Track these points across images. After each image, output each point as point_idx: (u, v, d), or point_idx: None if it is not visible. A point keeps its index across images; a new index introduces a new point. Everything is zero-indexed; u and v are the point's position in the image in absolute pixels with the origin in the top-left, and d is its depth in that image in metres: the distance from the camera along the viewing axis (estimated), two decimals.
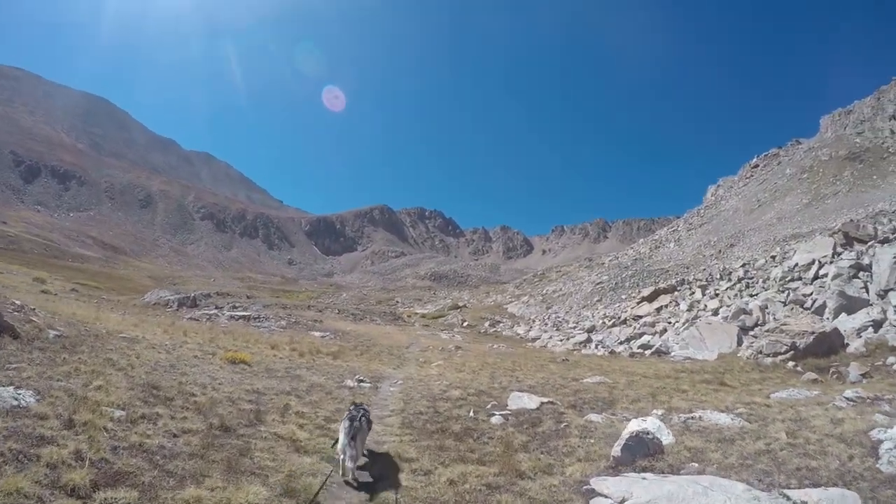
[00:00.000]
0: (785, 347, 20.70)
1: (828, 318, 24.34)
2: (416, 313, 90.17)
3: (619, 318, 51.61)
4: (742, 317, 29.13)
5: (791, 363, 19.67)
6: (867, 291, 24.95)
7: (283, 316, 42.89)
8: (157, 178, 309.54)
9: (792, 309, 27.17)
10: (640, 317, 47.11)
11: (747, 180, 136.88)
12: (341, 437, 8.70)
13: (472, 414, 13.41)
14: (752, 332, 26.71)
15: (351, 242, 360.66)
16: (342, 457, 8.54)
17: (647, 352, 31.46)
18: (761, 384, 16.80)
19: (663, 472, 8.32)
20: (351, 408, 9.82)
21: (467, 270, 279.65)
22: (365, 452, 9.51)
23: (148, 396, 10.77)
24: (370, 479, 8.71)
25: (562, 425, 11.86)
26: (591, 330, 49.82)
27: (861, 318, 22.45)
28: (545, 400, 14.38)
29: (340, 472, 8.54)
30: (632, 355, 31.82)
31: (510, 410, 13.73)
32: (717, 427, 10.70)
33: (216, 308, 49.19)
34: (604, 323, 52.50)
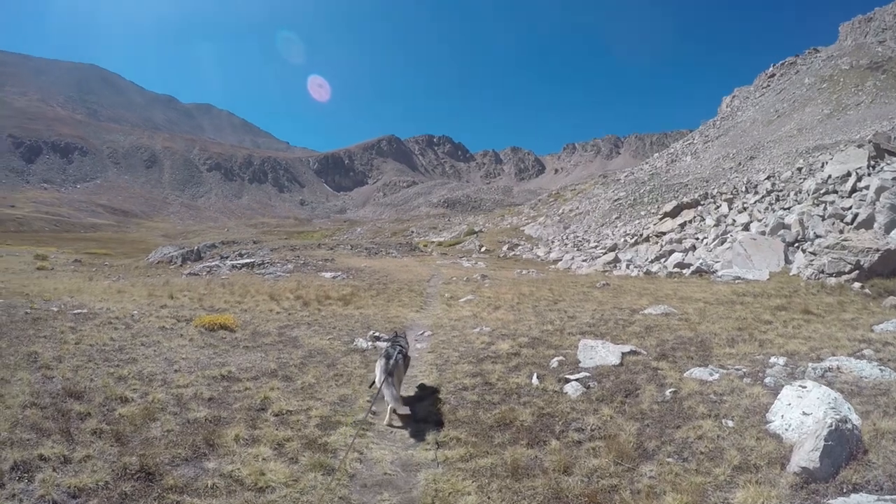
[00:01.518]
0: (849, 266, 18.46)
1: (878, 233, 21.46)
2: (433, 242, 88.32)
3: (641, 235, 47.84)
4: (781, 231, 26.84)
5: (857, 284, 17.47)
6: None
7: (290, 259, 38.85)
8: (159, 136, 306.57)
9: (834, 223, 24.95)
10: (664, 233, 43.35)
11: (764, 90, 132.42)
12: (378, 375, 8.40)
13: (536, 382, 9.50)
14: (802, 248, 24.16)
15: (361, 176, 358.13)
16: (385, 398, 8.07)
17: (686, 271, 28.34)
18: (845, 311, 13.98)
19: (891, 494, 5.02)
20: (387, 345, 9.46)
21: (480, 194, 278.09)
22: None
23: (51, 415, 7.21)
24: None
25: (669, 392, 8.32)
26: (613, 248, 47.02)
27: None
28: (625, 349, 10.70)
29: (382, 408, 8.30)
30: (670, 275, 28.71)
31: (586, 369, 9.92)
32: (873, 384, 7.80)
33: (221, 258, 45.45)
34: (625, 241, 49.45)
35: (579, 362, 10.45)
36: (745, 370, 9.03)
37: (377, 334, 13.47)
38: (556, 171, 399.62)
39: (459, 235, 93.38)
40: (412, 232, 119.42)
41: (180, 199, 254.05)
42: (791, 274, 21.30)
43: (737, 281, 22.27)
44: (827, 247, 19.84)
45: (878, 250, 18.08)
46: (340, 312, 17.35)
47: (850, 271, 18.27)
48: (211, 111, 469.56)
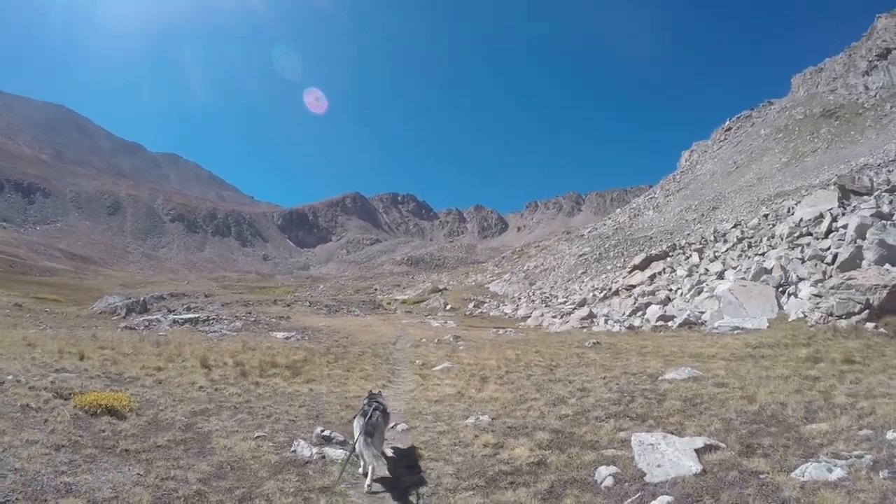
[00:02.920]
0: (859, 306, 17.23)
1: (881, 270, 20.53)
2: (397, 299, 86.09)
3: (611, 288, 47.93)
4: (764, 277, 25.96)
5: (869, 324, 16.28)
6: None
7: (241, 315, 34.47)
8: (124, 183, 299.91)
9: (816, 265, 24.23)
10: (634, 286, 43.24)
11: (721, 143, 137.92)
12: (357, 437, 7.63)
13: None
14: (791, 293, 23.79)
15: (325, 233, 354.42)
16: (362, 460, 7.54)
17: (672, 324, 26.67)
18: (884, 355, 12.57)
19: None
20: (364, 402, 8.68)
21: (444, 252, 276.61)
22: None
23: None
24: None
25: None
26: (582, 303, 46.56)
27: None
28: (697, 444, 7.55)
29: (361, 470, 7.67)
30: (655, 329, 26.82)
31: (661, 487, 6.65)
32: None
33: (168, 311, 41.02)
34: (594, 295, 49.13)
35: (644, 474, 7.09)
36: (868, 456, 6.60)
37: (327, 433, 9.12)
38: (519, 228, 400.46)
39: (424, 293, 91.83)
40: (375, 289, 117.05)
41: (141, 248, 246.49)
42: (791, 320, 20.22)
43: (736, 332, 20.76)
44: (832, 287, 18.87)
45: (885, 286, 17.11)
46: (284, 389, 13.13)
47: (861, 311, 17.18)
48: (178, 161, 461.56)
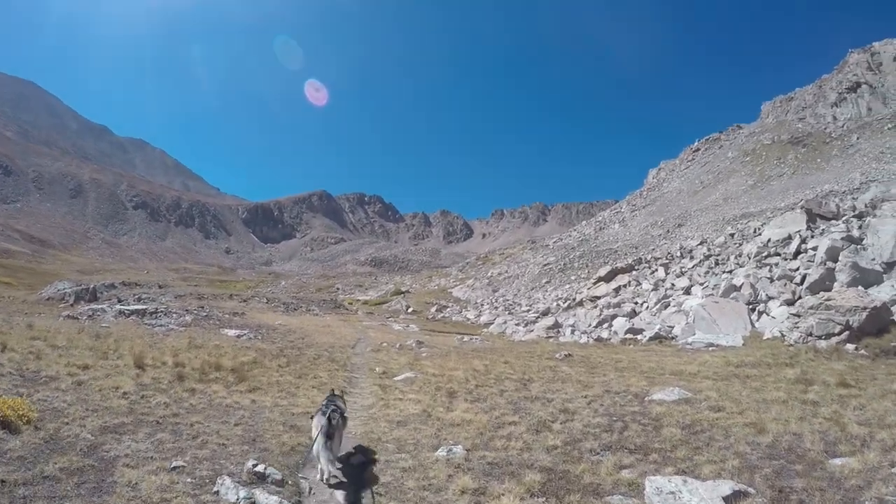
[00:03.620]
0: (839, 327, 17.11)
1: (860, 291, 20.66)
2: (358, 300, 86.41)
3: (575, 299, 48.26)
4: (734, 294, 25.99)
5: (849, 345, 16.19)
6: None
7: (193, 309, 32.36)
8: (88, 167, 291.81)
9: (785, 284, 24.27)
10: (598, 297, 43.51)
11: (689, 163, 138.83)
12: (316, 438, 7.49)
13: None
14: (761, 311, 23.85)
15: (289, 229, 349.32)
16: (319, 459, 7.41)
17: (641, 337, 26.22)
18: (876, 378, 12.13)
19: None
20: (323, 403, 8.54)
21: (408, 255, 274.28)
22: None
23: None
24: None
25: None
26: (546, 312, 47.36)
27: (887, 290, 19.92)
28: (723, 490, 6.38)
29: (318, 476, 7.48)
30: (624, 342, 26.41)
31: None
32: None
33: (118, 301, 38.78)
34: (558, 305, 49.62)
35: None
36: None
37: (261, 467, 7.24)
38: (484, 235, 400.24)
39: (386, 295, 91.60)
40: (338, 289, 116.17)
41: (102, 234, 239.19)
42: (766, 338, 19.94)
43: (711, 348, 20.39)
44: (811, 308, 18.56)
45: (865, 308, 17.01)
46: (222, 400, 11.28)
47: (840, 332, 17.06)
48: (145, 148, 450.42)
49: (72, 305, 39.53)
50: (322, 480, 7.34)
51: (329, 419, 7.67)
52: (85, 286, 46.65)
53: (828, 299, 18.35)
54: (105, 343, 17.99)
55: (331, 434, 7.54)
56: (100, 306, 32.26)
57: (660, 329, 26.02)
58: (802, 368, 13.79)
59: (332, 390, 9.56)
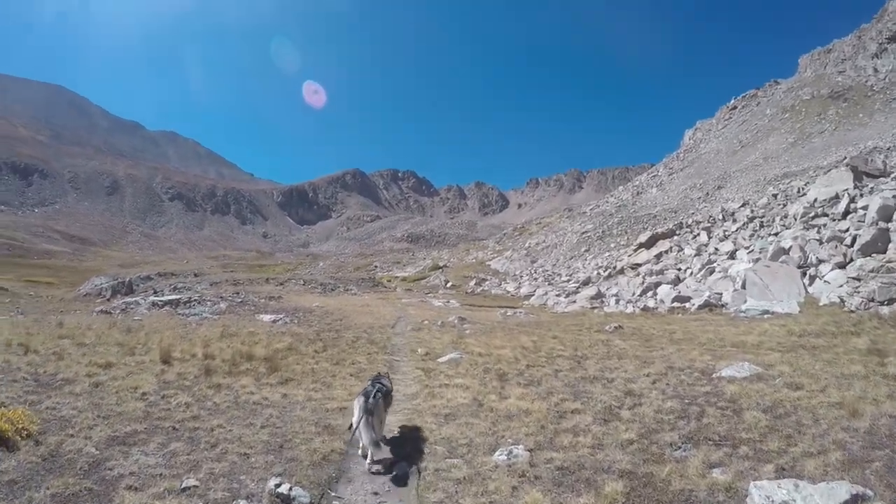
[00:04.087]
0: None
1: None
2: (396, 277, 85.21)
3: (615, 267, 46.84)
4: (783, 257, 24.80)
5: None
6: None
7: (228, 296, 31.61)
8: (122, 163, 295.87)
9: (836, 247, 23.10)
10: (640, 265, 42.38)
11: (726, 122, 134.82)
12: (356, 415, 7.34)
13: None
14: (813, 275, 22.44)
15: (325, 210, 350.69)
16: (360, 440, 7.26)
17: (689, 305, 25.33)
18: None
19: None
20: (367, 383, 8.27)
21: (444, 229, 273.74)
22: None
23: None
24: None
25: None
26: (587, 282, 45.82)
27: None
28: (843, 496, 5.25)
29: (360, 454, 7.42)
30: (672, 311, 25.34)
31: None
32: None
33: (154, 292, 38.39)
34: (599, 274, 47.91)
35: None
36: None
37: (285, 487, 5.95)
38: (520, 205, 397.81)
39: (424, 270, 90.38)
40: (375, 267, 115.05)
41: (140, 228, 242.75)
42: (822, 304, 18.82)
43: (767, 316, 19.41)
44: (871, 270, 18.02)
45: None
46: (249, 396, 10.19)
47: None
48: (176, 139, 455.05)
49: (108, 300, 39.34)
50: (367, 465, 7.15)
51: (367, 395, 7.55)
52: (121, 280, 46.56)
53: (889, 261, 17.90)
54: (135, 337, 17.23)
55: (371, 411, 7.34)
56: (133, 299, 31.81)
57: (709, 296, 25.03)
58: (871, 337, 12.91)
59: (378, 373, 9.14)
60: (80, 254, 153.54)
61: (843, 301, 17.90)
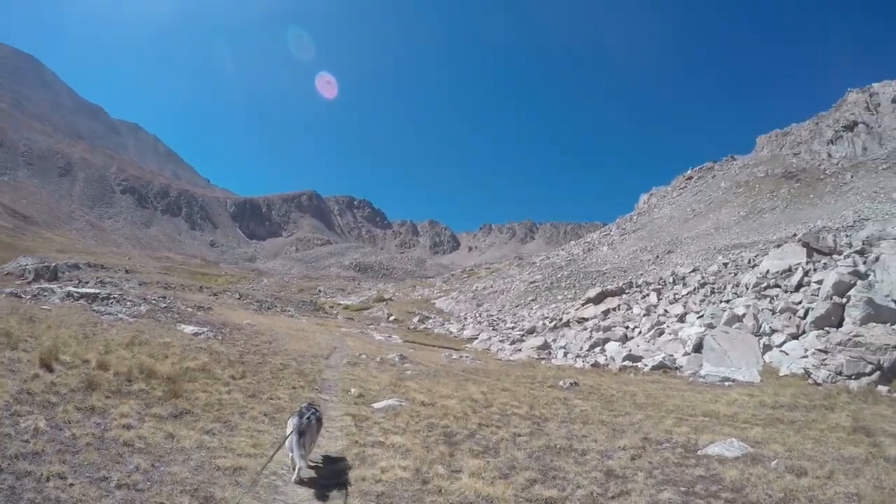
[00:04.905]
0: (870, 367, 16.38)
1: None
2: (340, 304, 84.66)
3: (561, 319, 47.11)
4: (737, 324, 25.11)
5: (882, 387, 15.38)
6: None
7: (153, 299, 28.72)
8: (79, 146, 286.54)
9: (790, 318, 23.60)
10: (586, 319, 42.62)
11: (681, 191, 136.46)
12: (289, 435, 7.51)
13: None
14: (770, 345, 22.66)
15: (276, 227, 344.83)
16: (291, 455, 7.43)
17: (642, 365, 24.76)
18: None
19: None
20: (302, 405, 8.45)
21: (393, 263, 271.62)
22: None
23: None
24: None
25: None
26: (531, 331, 45.96)
27: None
28: None
29: (291, 470, 7.51)
30: (623, 370, 24.83)
31: None
32: None
33: (79, 282, 35.30)
34: (544, 324, 48.20)
35: None
36: None
37: None
38: (471, 248, 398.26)
39: (368, 301, 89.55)
40: (320, 291, 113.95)
41: (87, 216, 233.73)
42: (783, 374, 19.11)
43: (727, 383, 19.15)
44: (839, 344, 17.88)
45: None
46: (122, 432, 7.54)
47: (871, 372, 16.34)
48: (138, 132, 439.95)
49: (29, 283, 36.18)
50: (294, 479, 7.33)
51: (301, 415, 7.73)
52: (46, 264, 43.23)
53: (856, 335, 17.60)
54: (31, 328, 14.81)
55: (303, 431, 7.48)
56: (49, 286, 28.72)
57: (664, 358, 24.44)
58: (848, 413, 12.69)
59: (311, 401, 9.43)
60: (21, 231, 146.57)
61: (807, 373, 17.85)
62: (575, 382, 18.90)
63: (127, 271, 52.89)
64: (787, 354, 21.16)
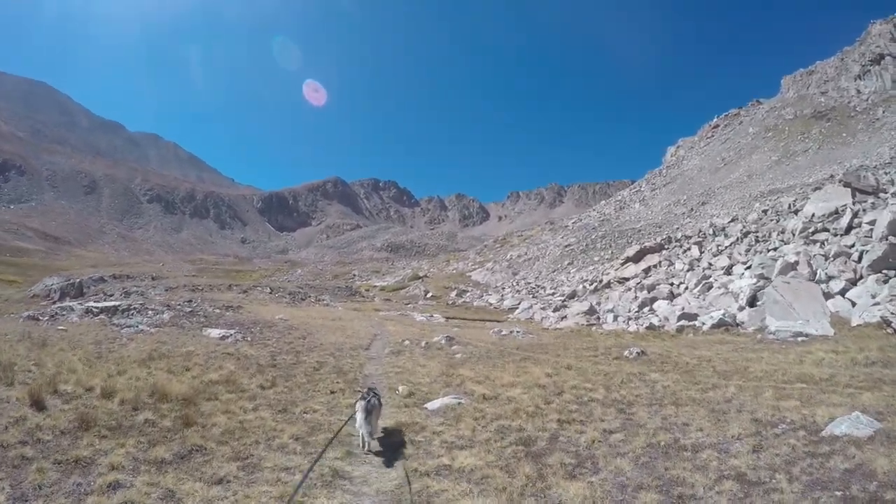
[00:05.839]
0: None
1: None
2: (375, 286, 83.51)
3: (601, 281, 46.65)
4: (791, 273, 23.36)
5: None
6: None
7: (177, 304, 26.97)
8: (101, 163, 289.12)
9: (845, 262, 22.32)
10: (627, 279, 41.83)
11: (708, 140, 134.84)
12: (358, 415, 8.45)
13: None
14: (829, 292, 21.04)
15: (305, 217, 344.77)
16: (361, 431, 8.40)
17: (699, 324, 22.87)
18: None
19: None
20: (365, 391, 9.09)
21: (424, 240, 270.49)
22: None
23: None
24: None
25: None
26: (572, 296, 45.46)
27: None
28: None
29: (360, 445, 8.37)
30: (680, 330, 22.77)
31: None
32: None
33: (103, 295, 34.34)
34: (584, 287, 47.91)
35: None
36: None
37: None
38: (501, 218, 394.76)
39: (404, 280, 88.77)
40: (354, 275, 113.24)
41: (117, 229, 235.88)
42: (855, 324, 17.54)
43: (800, 339, 17.25)
44: None
45: None
46: (104, 502, 5.62)
47: None
48: (157, 142, 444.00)
49: (53, 303, 35.11)
50: (364, 450, 8.25)
51: (366, 399, 8.54)
52: (71, 281, 42.11)
53: None
54: (41, 354, 13.11)
55: (370, 410, 8.39)
56: (69, 304, 27.22)
57: (724, 315, 22.49)
58: None
59: (369, 387, 9.55)
60: (54, 253, 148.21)
61: (886, 322, 16.36)
62: (642, 351, 17.07)
63: (153, 278, 51.90)
64: (852, 303, 19.83)
